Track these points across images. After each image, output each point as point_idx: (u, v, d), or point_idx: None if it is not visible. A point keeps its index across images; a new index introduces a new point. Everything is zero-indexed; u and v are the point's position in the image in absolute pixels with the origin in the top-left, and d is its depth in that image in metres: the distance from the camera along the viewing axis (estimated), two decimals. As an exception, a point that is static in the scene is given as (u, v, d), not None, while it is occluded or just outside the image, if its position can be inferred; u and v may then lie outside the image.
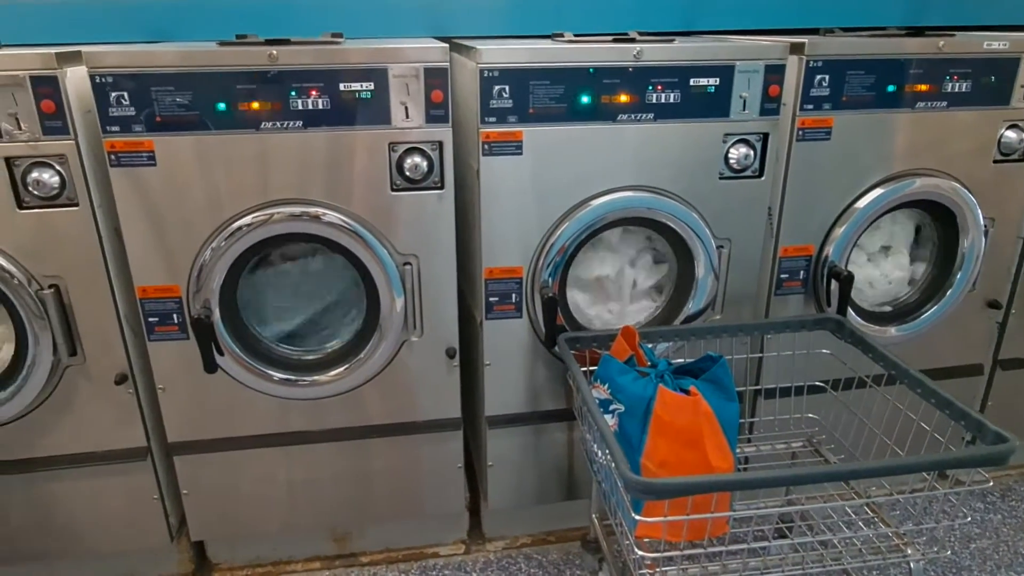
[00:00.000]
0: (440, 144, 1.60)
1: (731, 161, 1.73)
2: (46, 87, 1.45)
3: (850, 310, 1.85)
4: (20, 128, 1.47)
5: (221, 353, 1.65)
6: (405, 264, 1.66)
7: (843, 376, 1.75)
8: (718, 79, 1.66)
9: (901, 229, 1.98)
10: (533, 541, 2.03)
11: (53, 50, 1.45)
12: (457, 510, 1.96)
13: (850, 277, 1.80)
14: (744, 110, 1.69)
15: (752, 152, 1.73)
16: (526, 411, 1.85)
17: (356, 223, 1.61)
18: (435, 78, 1.55)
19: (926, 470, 1.38)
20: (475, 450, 2.05)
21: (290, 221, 1.59)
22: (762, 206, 1.79)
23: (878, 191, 1.81)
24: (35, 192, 1.50)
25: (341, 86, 1.53)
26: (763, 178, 1.75)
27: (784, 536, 1.70)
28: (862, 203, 1.81)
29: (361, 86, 1.54)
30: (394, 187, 1.61)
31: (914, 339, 1.97)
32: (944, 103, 1.78)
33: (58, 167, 1.50)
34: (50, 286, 1.56)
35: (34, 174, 1.49)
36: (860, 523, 1.55)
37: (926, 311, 1.96)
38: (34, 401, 1.63)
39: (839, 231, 1.82)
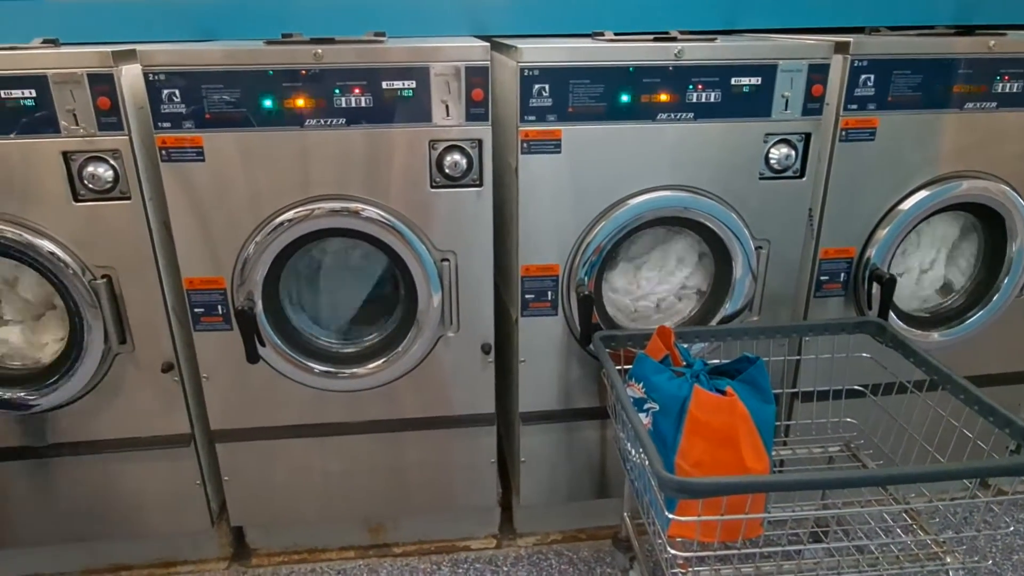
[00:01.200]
0: (479, 142, 1.62)
1: (772, 161, 1.71)
2: (102, 84, 1.50)
3: (891, 314, 1.82)
4: (77, 124, 1.52)
5: (263, 344, 1.69)
6: (443, 260, 1.68)
7: (883, 381, 1.72)
8: (760, 78, 1.65)
9: (942, 233, 1.94)
10: (564, 538, 2.03)
11: (109, 48, 1.51)
12: (489, 505, 1.98)
13: (893, 280, 1.77)
14: (786, 110, 1.67)
15: (793, 152, 1.71)
16: (559, 408, 1.86)
17: (396, 219, 1.63)
18: (476, 76, 1.57)
19: (967, 477, 1.36)
20: (508, 446, 2.07)
21: (331, 216, 1.62)
22: (803, 207, 1.77)
23: (923, 193, 1.77)
24: (90, 185, 1.56)
25: (383, 84, 1.55)
26: (804, 179, 1.73)
27: (819, 541, 1.68)
28: (906, 205, 1.77)
29: (403, 84, 1.56)
30: (433, 184, 1.63)
31: (958, 344, 1.93)
32: (994, 104, 1.74)
33: (112, 162, 1.56)
34: (103, 276, 1.62)
35: (89, 168, 1.55)
36: (898, 530, 1.53)
37: (971, 316, 1.92)
38: (85, 387, 1.69)
39: (882, 233, 1.79)
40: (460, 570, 1.93)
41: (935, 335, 1.92)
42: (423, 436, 1.85)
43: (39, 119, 1.51)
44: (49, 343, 1.73)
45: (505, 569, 1.93)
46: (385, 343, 1.77)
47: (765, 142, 1.70)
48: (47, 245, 1.58)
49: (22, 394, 1.67)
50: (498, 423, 1.89)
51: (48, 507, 1.81)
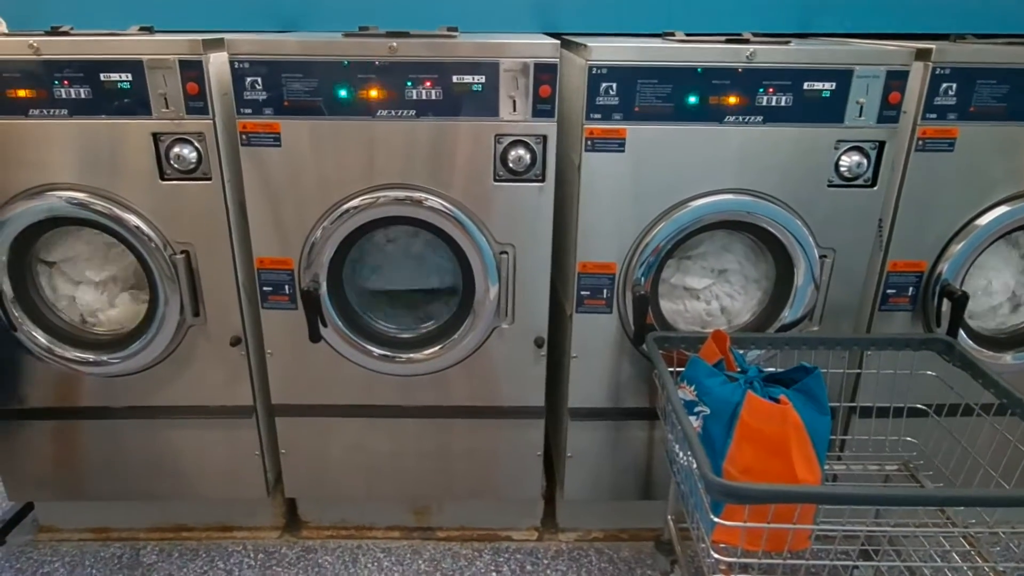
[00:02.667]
0: (544, 138, 1.64)
1: (842, 168, 1.67)
2: (192, 71, 1.59)
3: (961, 332, 1.75)
4: (167, 107, 1.62)
5: (325, 325, 1.76)
6: (502, 253, 1.71)
7: (948, 401, 1.66)
8: (834, 83, 1.61)
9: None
10: (606, 536, 2.04)
11: (199, 37, 1.59)
12: (533, 497, 2.00)
13: (965, 297, 1.70)
14: (860, 116, 1.63)
15: (866, 160, 1.66)
16: (608, 406, 1.86)
17: (458, 210, 1.67)
18: (544, 73, 1.59)
19: (1032, 506, 1.30)
20: (555, 440, 2.08)
21: (395, 205, 1.67)
22: (872, 217, 1.72)
23: (1003, 208, 1.70)
24: (175, 165, 1.65)
25: (454, 78, 1.59)
26: (875, 188, 1.69)
27: (869, 559, 1.63)
28: (984, 220, 1.70)
29: (473, 79, 1.59)
30: (497, 178, 1.66)
31: (1032, 369, 1.84)
32: (1084, 117, 1.65)
33: (196, 144, 1.65)
34: (182, 251, 1.71)
35: (176, 149, 1.64)
36: (955, 555, 1.47)
37: (1049, 340, 1.83)
38: (160, 355, 1.80)
39: (956, 248, 1.72)
40: (501, 559, 1.96)
41: (1007, 357, 1.83)
42: (472, 424, 1.89)
43: (133, 101, 1.60)
44: (129, 312, 1.84)
45: (545, 562, 1.95)
46: (441, 331, 1.82)
47: (836, 149, 1.66)
48: (133, 219, 1.68)
49: (104, 357, 1.79)
50: (547, 417, 1.91)
51: (119, 465, 1.93)
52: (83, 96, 1.60)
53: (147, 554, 1.98)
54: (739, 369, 1.56)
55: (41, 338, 1.78)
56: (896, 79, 1.61)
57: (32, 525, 2.08)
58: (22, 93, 1.60)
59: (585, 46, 1.58)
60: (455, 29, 1.74)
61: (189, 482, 1.96)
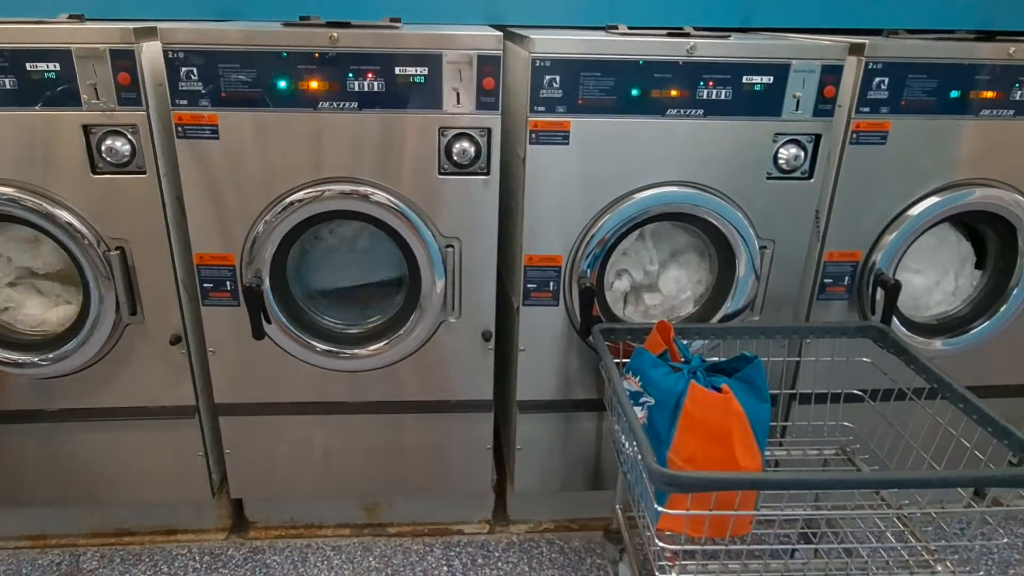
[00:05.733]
0: (489, 131, 1.63)
1: (780, 161, 1.71)
2: (124, 60, 1.53)
3: (895, 319, 1.81)
4: (98, 98, 1.56)
5: (269, 321, 1.73)
6: (447, 247, 1.70)
7: (883, 386, 1.71)
8: (772, 77, 1.64)
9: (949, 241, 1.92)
10: (556, 527, 2.05)
11: (131, 25, 1.54)
12: (483, 490, 2.00)
13: (898, 286, 1.76)
14: (797, 110, 1.67)
15: (803, 153, 1.70)
16: (557, 398, 1.87)
17: (403, 204, 1.65)
18: (488, 65, 1.58)
19: (963, 486, 1.35)
20: (504, 433, 2.09)
21: (340, 199, 1.64)
22: (809, 208, 1.76)
23: (934, 199, 1.76)
24: (108, 159, 1.60)
25: (397, 70, 1.57)
26: (812, 180, 1.73)
27: (809, 542, 1.68)
28: (916, 211, 1.76)
29: (416, 71, 1.58)
30: (442, 171, 1.65)
31: (962, 354, 1.91)
32: (1011, 111, 1.72)
33: (130, 136, 1.59)
34: (116, 248, 1.66)
35: (108, 142, 1.59)
36: (890, 536, 1.53)
37: (977, 326, 1.91)
38: (96, 355, 1.74)
39: (889, 238, 1.78)
40: (452, 553, 1.95)
41: (938, 343, 1.90)
42: (421, 419, 1.88)
43: (62, 92, 1.54)
44: (61, 312, 1.77)
45: (497, 554, 1.95)
46: (387, 326, 1.80)
47: (774, 142, 1.69)
48: (65, 215, 1.62)
49: (35, 359, 1.72)
50: (496, 410, 1.91)
51: (55, 469, 1.87)
52: (8, 87, 1.54)
53: (87, 560, 1.92)
54: (683, 359, 1.58)
55: (-35, 339, 1.71)
56: (831, 73, 1.64)
57: (-38, 534, 2.00)
58: (-61, 83, 1.53)
59: (529, 38, 1.58)
60: (398, 20, 1.72)
61: (130, 485, 1.90)
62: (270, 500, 2.03)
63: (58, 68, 1.53)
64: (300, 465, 1.92)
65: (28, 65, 1.53)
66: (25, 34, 1.51)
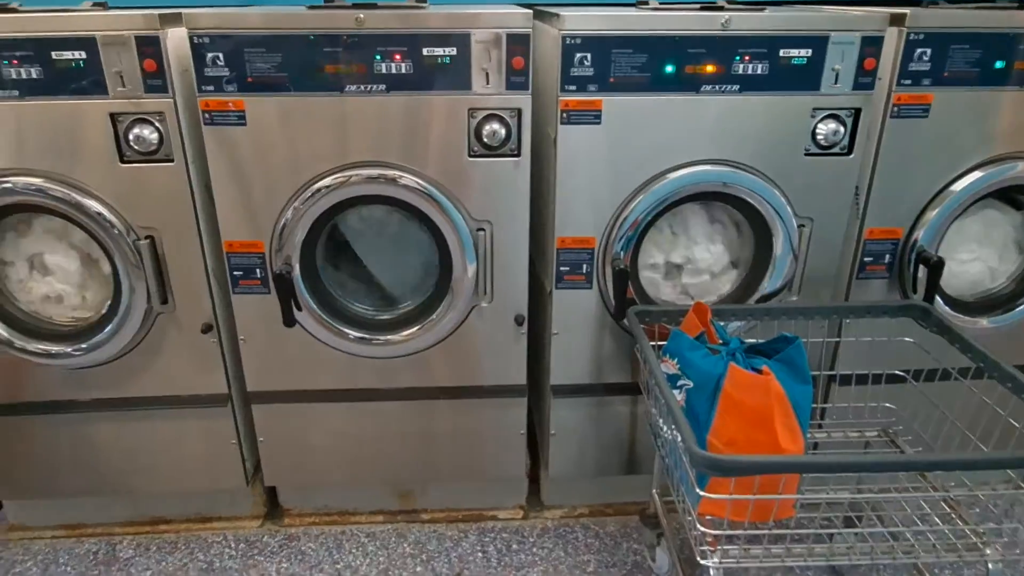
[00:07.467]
0: (519, 111, 1.60)
1: (818, 137, 1.66)
2: (149, 47, 1.52)
3: (937, 298, 1.77)
4: (124, 85, 1.55)
5: (299, 308, 1.72)
6: (479, 230, 1.68)
7: (926, 367, 1.67)
8: (810, 50, 1.60)
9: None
10: (591, 512, 2.04)
11: (156, 11, 1.52)
12: (517, 476, 1.99)
13: (940, 263, 1.71)
14: (836, 84, 1.62)
15: (842, 128, 1.66)
16: (591, 382, 1.85)
17: (433, 187, 1.63)
18: (517, 44, 1.55)
19: (1010, 467, 1.31)
20: (538, 418, 2.07)
21: (368, 183, 1.62)
22: (849, 185, 1.72)
23: (977, 174, 1.71)
24: (135, 147, 1.59)
25: (424, 51, 1.54)
26: (852, 156, 1.68)
27: (852, 526, 1.65)
28: (958, 186, 1.71)
29: (443, 51, 1.55)
30: (471, 153, 1.63)
31: (1008, 332, 1.86)
32: (1057, 82, 1.66)
33: (157, 124, 1.58)
34: (146, 237, 1.65)
35: (135, 130, 1.57)
36: (936, 518, 1.49)
37: (1022, 303, 1.85)
38: (128, 345, 1.74)
39: (931, 214, 1.73)
40: (487, 539, 1.95)
41: (983, 321, 1.85)
42: (454, 405, 1.87)
43: (88, 81, 1.53)
44: (93, 302, 1.77)
45: (531, 540, 1.94)
46: (419, 311, 1.78)
47: (812, 117, 1.65)
48: (94, 205, 1.61)
49: (68, 349, 1.72)
50: (528, 395, 1.89)
51: (89, 459, 1.88)
52: (34, 76, 1.53)
53: (123, 549, 1.93)
54: (721, 341, 1.55)
55: (0, 330, 1.71)
56: (871, 45, 1.59)
57: (0, 525, 2.01)
58: (-33, 74, 1.52)
59: (558, 15, 1.55)
60: (424, 0, 1.69)
61: (165, 474, 1.91)
62: (304, 487, 2.04)
63: (84, 56, 1.52)
64: (333, 452, 1.91)
65: (54, 54, 1.52)
66: (50, 22, 1.50)
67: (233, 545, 1.93)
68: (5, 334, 1.71)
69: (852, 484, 1.70)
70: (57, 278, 1.74)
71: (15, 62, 1.52)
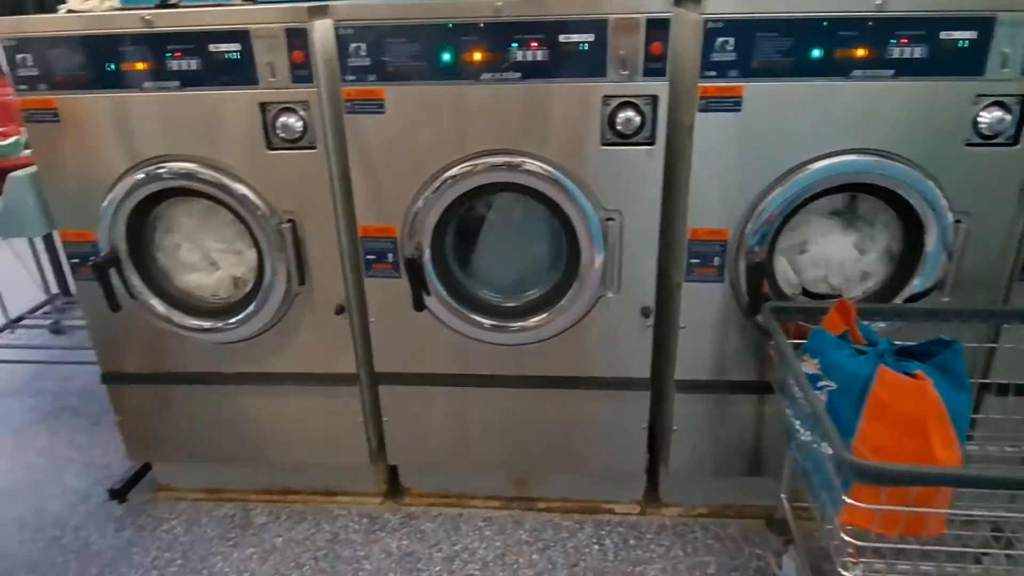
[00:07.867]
0: (655, 99, 1.57)
1: (981, 126, 1.53)
2: (297, 39, 1.59)
3: (1116, 304, 1.60)
4: (273, 76, 1.62)
5: (428, 293, 1.75)
6: (608, 219, 1.66)
7: (1099, 378, 1.52)
8: (975, 32, 1.48)
9: None
10: (710, 512, 1.98)
11: (304, 4, 1.58)
12: (636, 470, 1.96)
13: (1122, 266, 1.55)
14: (1004, 68, 1.49)
15: (1008, 116, 1.52)
16: (715, 379, 1.80)
17: (564, 176, 1.62)
18: (656, 29, 1.51)
19: None
20: (658, 413, 2.03)
21: (502, 171, 1.63)
22: (1014, 178, 1.57)
23: None
24: (282, 135, 1.66)
25: (561, 37, 1.53)
26: (1019, 146, 1.54)
27: (1010, 547, 1.52)
28: None
29: (580, 37, 1.53)
30: (604, 141, 1.60)
31: None
32: None
33: (302, 112, 1.65)
34: (288, 220, 1.73)
35: (282, 118, 1.65)
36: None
37: None
38: (269, 323, 1.83)
39: (1113, 211, 1.56)
40: (603, 531, 1.93)
41: None
42: (573, 395, 1.86)
43: (240, 72, 1.62)
44: (239, 282, 1.88)
45: (649, 536, 1.91)
46: (545, 300, 1.78)
47: (975, 104, 1.52)
48: (241, 188, 1.70)
49: (219, 324, 1.84)
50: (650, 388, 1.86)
51: (229, 428, 2.00)
52: (193, 68, 1.63)
53: (257, 515, 2.05)
54: (866, 342, 1.46)
55: (159, 307, 1.84)
56: (1048, 25, 1.45)
57: (150, 485, 2.18)
58: (138, 66, 1.64)
59: (699, -1, 1.50)
60: (562, -14, 1.68)
61: (296, 447, 2.01)
62: (423, 468, 2.09)
63: (238, 48, 1.60)
64: (452, 436, 1.95)
65: (211, 47, 1.61)
66: (207, 17, 1.60)
67: (356, 519, 2.01)
68: (163, 311, 1.84)
69: (1004, 502, 1.57)
70: (208, 260, 1.86)
71: (177, 54, 1.62)
